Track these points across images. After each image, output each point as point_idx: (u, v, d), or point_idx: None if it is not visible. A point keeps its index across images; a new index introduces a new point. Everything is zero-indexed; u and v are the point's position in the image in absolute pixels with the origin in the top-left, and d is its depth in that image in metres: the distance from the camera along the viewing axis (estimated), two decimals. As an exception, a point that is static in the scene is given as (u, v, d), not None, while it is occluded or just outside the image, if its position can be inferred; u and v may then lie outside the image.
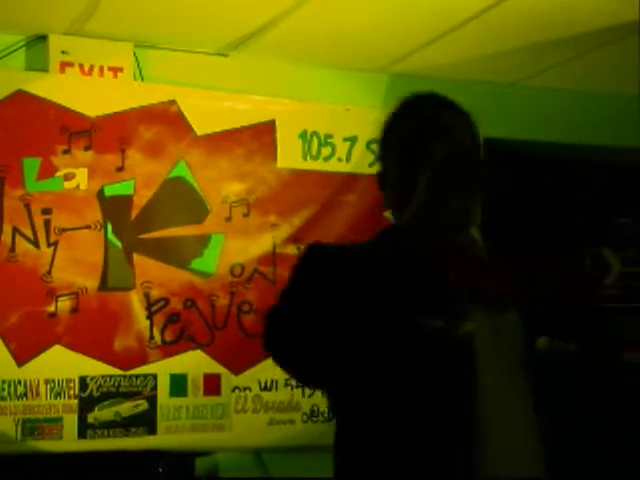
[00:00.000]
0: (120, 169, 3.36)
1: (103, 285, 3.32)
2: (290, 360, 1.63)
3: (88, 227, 3.32)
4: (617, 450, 1.73)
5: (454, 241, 1.64)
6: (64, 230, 3.28)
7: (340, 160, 3.63)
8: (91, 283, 3.30)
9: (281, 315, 1.64)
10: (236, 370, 3.46)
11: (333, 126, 3.61)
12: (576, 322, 1.72)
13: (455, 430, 1.55)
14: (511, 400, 1.60)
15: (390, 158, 1.75)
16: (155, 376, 3.38)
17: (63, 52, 3.40)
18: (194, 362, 3.42)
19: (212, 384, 3.44)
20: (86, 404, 3.28)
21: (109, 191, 3.35)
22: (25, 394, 3.21)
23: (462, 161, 1.60)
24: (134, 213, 3.38)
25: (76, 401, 3.27)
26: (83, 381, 3.29)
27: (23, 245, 3.23)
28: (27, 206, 3.25)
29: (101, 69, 3.45)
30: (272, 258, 3.52)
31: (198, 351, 3.43)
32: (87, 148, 3.32)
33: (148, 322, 3.37)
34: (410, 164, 1.66)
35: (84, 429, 3.27)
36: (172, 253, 3.42)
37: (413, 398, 1.57)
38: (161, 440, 3.37)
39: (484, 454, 1.53)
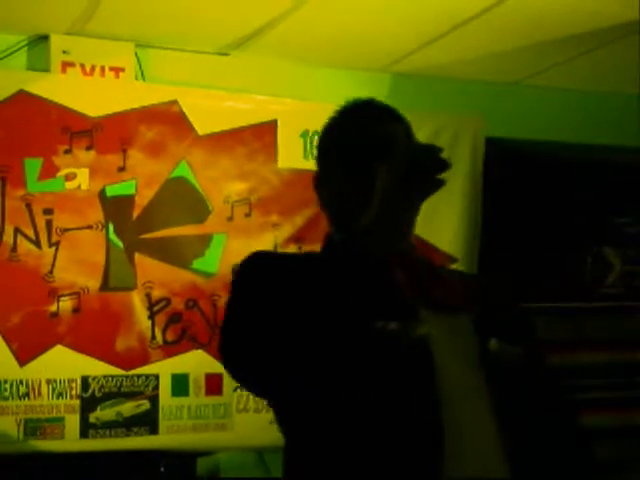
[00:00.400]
0: (121, 169, 3.36)
1: (105, 285, 3.32)
2: (247, 373, 1.62)
3: (89, 227, 3.31)
4: (576, 452, 1.75)
5: (401, 248, 1.68)
6: (66, 230, 3.28)
7: (341, 160, 3.62)
8: (93, 283, 3.30)
9: (235, 326, 1.62)
10: (238, 370, 3.46)
11: (335, 126, 3.59)
12: (520, 324, 1.75)
13: (418, 433, 1.53)
14: (472, 401, 1.60)
15: (332, 163, 1.77)
16: (157, 376, 3.37)
17: (64, 52, 3.39)
18: (196, 362, 3.41)
19: (214, 384, 3.44)
20: (88, 404, 3.27)
21: (110, 191, 3.35)
22: (27, 394, 3.20)
23: (409, 170, 1.60)
24: (136, 213, 3.38)
25: (78, 401, 3.26)
26: (85, 381, 3.28)
27: (25, 245, 3.23)
28: (28, 206, 3.24)
29: (102, 69, 3.45)
30: (274, 258, 3.52)
31: (200, 351, 3.42)
32: (88, 148, 3.31)
33: (150, 322, 3.36)
34: (356, 172, 1.69)
35: (86, 429, 3.26)
36: (174, 253, 3.41)
37: (374, 402, 1.55)
38: (163, 440, 3.36)
39: (448, 456, 1.52)
